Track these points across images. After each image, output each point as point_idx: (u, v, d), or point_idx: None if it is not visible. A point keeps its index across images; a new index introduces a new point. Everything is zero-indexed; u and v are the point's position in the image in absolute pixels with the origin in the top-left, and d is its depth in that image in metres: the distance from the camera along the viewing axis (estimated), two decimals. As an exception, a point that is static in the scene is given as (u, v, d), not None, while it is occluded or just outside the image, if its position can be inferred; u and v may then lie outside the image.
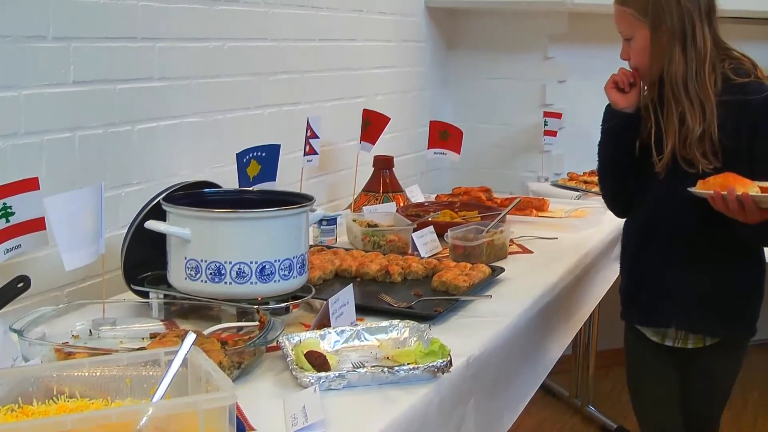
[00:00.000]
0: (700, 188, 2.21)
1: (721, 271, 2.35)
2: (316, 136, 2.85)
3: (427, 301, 2.21)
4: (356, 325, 1.93)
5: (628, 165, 2.42)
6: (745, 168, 2.21)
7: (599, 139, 2.49)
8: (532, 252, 2.83)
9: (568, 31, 4.24)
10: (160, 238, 2.00)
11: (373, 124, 3.19)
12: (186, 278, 1.97)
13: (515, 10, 4.26)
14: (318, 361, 1.72)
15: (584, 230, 3.11)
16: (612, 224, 3.02)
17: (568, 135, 4.23)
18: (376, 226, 2.83)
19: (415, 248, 2.68)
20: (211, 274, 1.95)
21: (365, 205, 3.12)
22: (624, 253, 2.54)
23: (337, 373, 1.68)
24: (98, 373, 1.45)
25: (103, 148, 2.25)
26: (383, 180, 3.25)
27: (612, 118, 2.43)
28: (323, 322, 1.92)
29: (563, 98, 4.29)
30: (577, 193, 3.83)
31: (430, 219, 2.99)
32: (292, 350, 1.77)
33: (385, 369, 1.70)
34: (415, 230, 2.74)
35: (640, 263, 2.46)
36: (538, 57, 4.31)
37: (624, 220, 2.56)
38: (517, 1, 4.16)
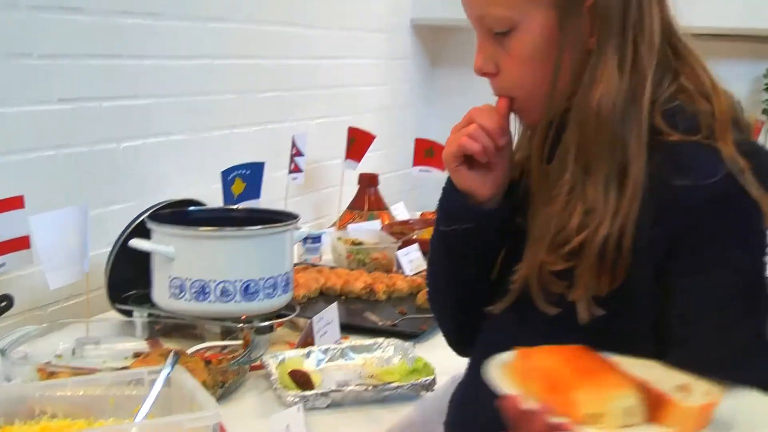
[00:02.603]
0: (505, 372, 1.12)
1: None
2: (301, 154, 2.86)
3: (412, 319, 2.21)
4: (340, 343, 1.93)
5: (481, 289, 1.41)
6: (639, 320, 1.23)
7: (432, 243, 1.50)
8: (516, 270, 2.82)
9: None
10: (145, 257, 2.00)
11: (358, 142, 3.19)
12: (170, 297, 1.97)
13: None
14: (302, 380, 1.72)
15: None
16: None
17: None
18: (360, 244, 2.83)
19: (399, 266, 2.68)
20: (195, 292, 1.94)
21: (350, 223, 3.12)
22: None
23: (321, 392, 1.68)
24: (81, 393, 1.44)
25: (88, 166, 2.25)
26: (368, 198, 3.25)
27: (458, 219, 1.38)
28: (307, 341, 1.92)
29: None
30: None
31: (414, 237, 2.99)
32: (276, 369, 1.77)
33: (370, 387, 1.70)
34: (399, 248, 2.74)
35: None
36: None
37: None
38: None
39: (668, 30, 1.27)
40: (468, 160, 1.35)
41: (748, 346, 1.21)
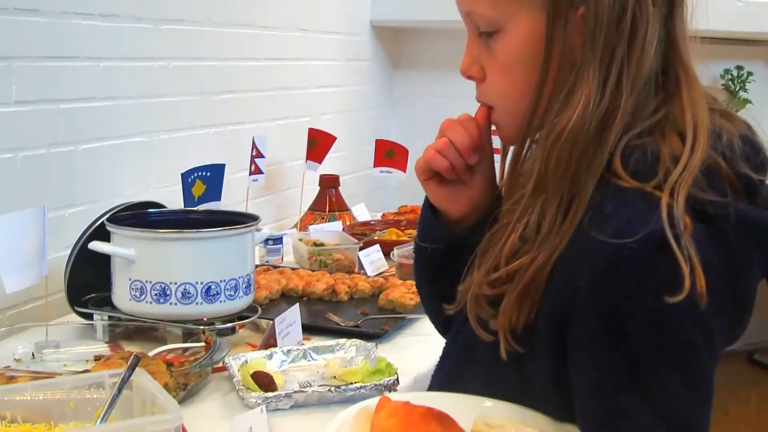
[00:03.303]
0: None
1: None
2: (261, 156, 2.85)
3: (374, 319, 2.21)
4: (303, 344, 1.93)
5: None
6: (542, 369, 1.11)
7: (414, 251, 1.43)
8: (478, 269, 2.83)
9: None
10: (105, 260, 1.99)
11: (319, 144, 3.19)
12: (131, 299, 1.95)
13: (460, 29, 4.23)
14: (264, 382, 1.71)
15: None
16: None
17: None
18: (322, 245, 2.83)
19: (361, 267, 2.68)
20: (156, 295, 1.93)
21: (311, 224, 3.12)
22: None
23: (284, 393, 1.68)
24: (41, 397, 1.42)
25: (45, 168, 2.23)
26: (329, 199, 3.25)
27: (427, 238, 1.36)
28: (270, 342, 1.91)
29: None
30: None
31: (376, 237, 3.00)
32: (238, 371, 1.76)
33: (332, 388, 1.70)
34: (361, 249, 2.74)
35: None
36: (482, 76, 4.34)
37: None
38: (461, 21, 4.18)
39: (672, 53, 1.13)
40: (439, 175, 1.29)
41: None
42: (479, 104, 1.27)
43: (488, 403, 1.18)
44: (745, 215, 1.07)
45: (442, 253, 1.34)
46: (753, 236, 1.08)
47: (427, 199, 1.35)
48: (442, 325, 1.43)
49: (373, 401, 1.15)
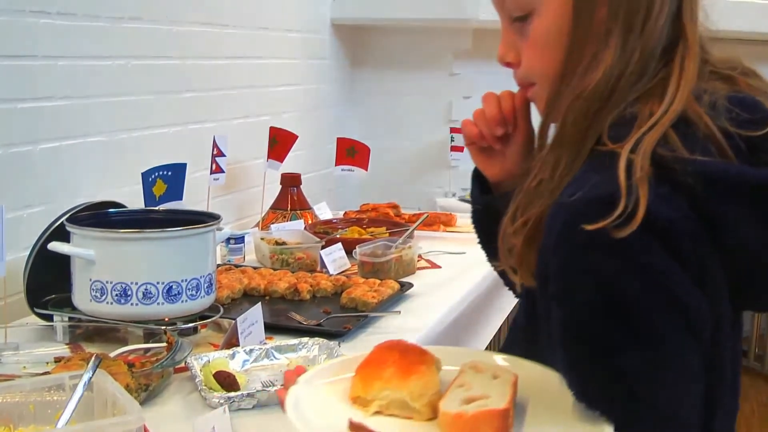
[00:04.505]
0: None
1: None
2: (222, 155, 2.84)
3: (337, 318, 2.21)
4: (265, 343, 1.93)
5: None
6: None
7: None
8: (440, 267, 2.84)
9: (472, 47, 4.29)
10: (64, 260, 1.97)
11: (280, 142, 3.18)
12: (91, 300, 1.94)
13: (420, 27, 4.30)
14: (227, 381, 1.71)
15: (491, 244, 3.15)
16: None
17: (475, 150, 4.27)
18: (284, 243, 2.82)
19: (323, 265, 2.68)
20: (117, 295, 1.92)
21: (273, 223, 3.11)
22: None
23: (246, 393, 1.67)
24: (0, 400, 1.41)
25: (3, 168, 2.21)
26: (291, 197, 3.25)
27: (472, 199, 1.53)
28: (232, 342, 1.91)
29: (469, 114, 4.30)
30: (484, 208, 3.87)
31: (338, 236, 3.00)
32: (200, 371, 1.75)
33: (295, 387, 1.69)
34: (323, 247, 2.74)
35: None
36: (443, 74, 4.36)
37: None
38: (422, 19, 4.19)
39: (677, 27, 1.19)
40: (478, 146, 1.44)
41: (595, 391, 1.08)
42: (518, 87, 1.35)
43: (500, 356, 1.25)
44: (715, 171, 1.07)
45: (482, 215, 1.49)
46: (730, 192, 1.07)
47: (474, 172, 1.50)
48: (511, 288, 1.50)
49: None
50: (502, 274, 1.46)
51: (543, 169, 1.18)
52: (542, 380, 1.18)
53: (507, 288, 1.55)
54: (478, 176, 1.50)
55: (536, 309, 1.17)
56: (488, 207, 1.45)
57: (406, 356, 1.18)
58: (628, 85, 1.15)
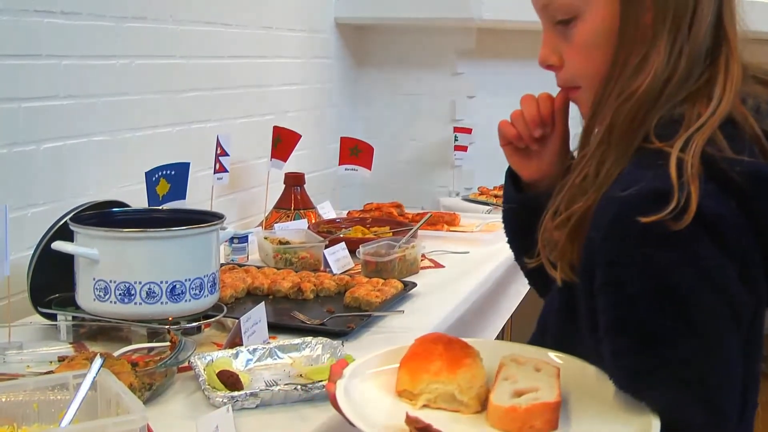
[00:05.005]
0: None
1: None
2: (226, 154, 2.84)
3: (340, 317, 2.21)
4: (269, 343, 1.92)
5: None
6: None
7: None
8: (443, 266, 2.84)
9: (476, 47, 4.29)
10: (68, 259, 1.97)
11: (284, 142, 3.18)
12: (95, 299, 1.94)
13: (424, 26, 4.29)
14: (230, 381, 1.71)
15: (495, 244, 3.13)
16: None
17: (479, 150, 4.27)
18: (287, 243, 2.82)
19: (327, 265, 2.68)
20: (120, 294, 1.92)
21: (276, 223, 3.11)
22: None
23: (249, 392, 1.67)
24: (4, 399, 1.41)
25: (6, 167, 2.21)
26: (294, 197, 3.25)
27: (505, 198, 1.56)
28: (235, 341, 1.91)
29: (473, 113, 4.34)
30: (488, 208, 3.87)
31: (341, 235, 3.00)
32: (204, 370, 1.75)
33: (299, 387, 1.69)
34: (326, 247, 2.74)
35: None
36: (446, 73, 4.36)
37: None
38: (425, 18, 4.19)
39: (719, 29, 1.23)
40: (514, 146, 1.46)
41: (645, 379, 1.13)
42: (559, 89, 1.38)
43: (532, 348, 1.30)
44: (763, 171, 1.12)
45: (516, 213, 1.50)
46: None
47: (507, 171, 1.52)
48: (537, 286, 1.55)
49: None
50: (531, 274, 1.51)
51: (588, 166, 1.22)
52: (581, 373, 1.22)
53: (529, 287, 1.61)
54: (511, 175, 1.52)
55: (574, 304, 1.21)
56: (523, 205, 1.47)
57: (451, 349, 1.21)
58: (676, 87, 1.19)
